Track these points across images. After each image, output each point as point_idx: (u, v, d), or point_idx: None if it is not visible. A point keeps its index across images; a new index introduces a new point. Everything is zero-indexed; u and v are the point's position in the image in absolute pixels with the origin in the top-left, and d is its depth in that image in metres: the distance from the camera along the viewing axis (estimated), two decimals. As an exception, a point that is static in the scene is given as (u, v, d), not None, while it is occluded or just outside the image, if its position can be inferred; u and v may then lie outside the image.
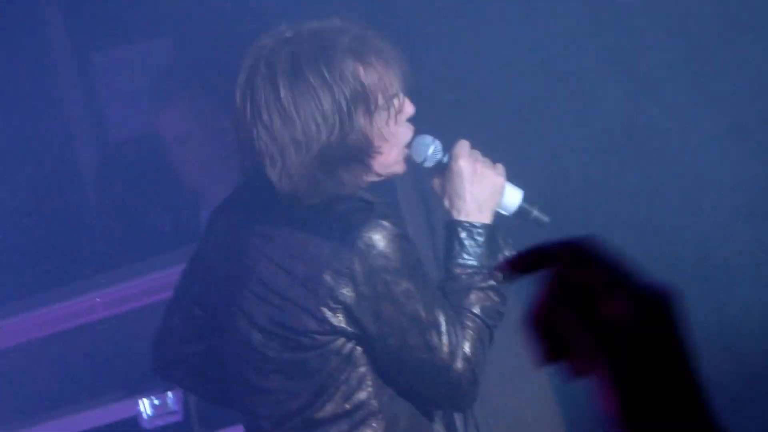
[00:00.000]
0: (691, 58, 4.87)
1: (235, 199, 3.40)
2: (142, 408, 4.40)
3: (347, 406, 3.21)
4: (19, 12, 5.62)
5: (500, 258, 3.28)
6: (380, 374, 3.22)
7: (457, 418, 3.45)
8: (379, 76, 3.20)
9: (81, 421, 4.45)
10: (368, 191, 3.29)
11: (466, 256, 3.27)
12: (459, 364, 3.16)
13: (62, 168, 5.67)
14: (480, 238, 3.27)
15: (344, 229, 3.15)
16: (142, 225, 5.38)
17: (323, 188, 3.16)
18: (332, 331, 3.15)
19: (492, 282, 3.26)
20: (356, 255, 3.13)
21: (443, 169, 3.34)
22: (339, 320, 3.15)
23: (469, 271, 3.26)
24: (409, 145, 3.31)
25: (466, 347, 3.19)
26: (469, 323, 3.22)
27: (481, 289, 3.26)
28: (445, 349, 3.16)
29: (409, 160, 3.33)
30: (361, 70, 3.17)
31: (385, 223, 3.17)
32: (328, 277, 3.13)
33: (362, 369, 3.20)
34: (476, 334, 3.22)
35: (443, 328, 3.17)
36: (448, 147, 3.34)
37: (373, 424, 3.20)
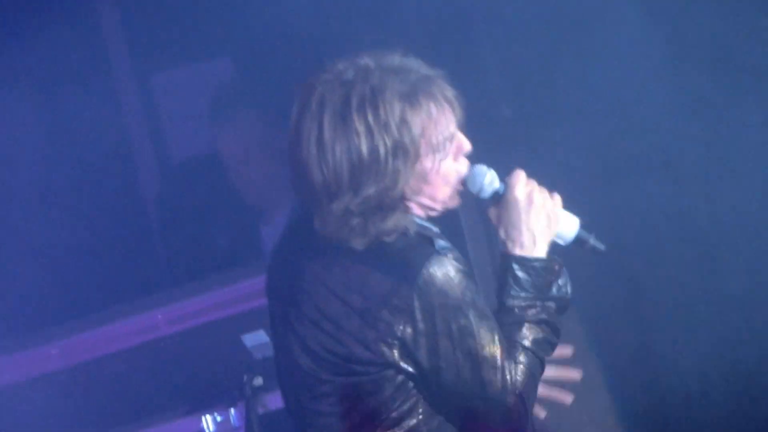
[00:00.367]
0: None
1: (299, 222, 3.42)
2: (204, 424, 4.43)
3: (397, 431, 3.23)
4: (81, 35, 5.70)
5: (555, 289, 3.30)
6: (431, 402, 3.24)
7: None
8: (431, 120, 3.18)
9: (144, 437, 4.51)
10: (429, 221, 3.32)
11: (519, 289, 3.26)
12: (511, 398, 3.18)
13: (124, 187, 5.72)
14: (533, 272, 3.27)
15: (404, 265, 3.15)
16: (203, 243, 5.43)
17: (363, 234, 3.17)
18: (386, 364, 3.17)
19: (544, 315, 3.27)
20: (415, 292, 3.13)
21: (499, 199, 3.33)
22: (395, 355, 3.16)
23: (522, 304, 3.25)
24: (465, 177, 3.32)
25: (518, 381, 3.20)
26: (521, 357, 3.22)
27: (534, 322, 3.26)
28: (499, 384, 3.18)
29: (466, 190, 3.33)
30: (409, 115, 3.14)
31: (444, 260, 3.16)
32: (386, 313, 3.14)
33: (414, 397, 3.22)
34: (528, 367, 3.23)
35: (498, 363, 3.17)
36: (504, 173, 3.34)
37: None
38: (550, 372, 3.41)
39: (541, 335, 3.27)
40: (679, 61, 4.86)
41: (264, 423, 4.34)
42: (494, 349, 3.19)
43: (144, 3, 5.74)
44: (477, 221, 4.39)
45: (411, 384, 3.22)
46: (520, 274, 3.28)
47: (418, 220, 3.27)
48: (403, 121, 3.15)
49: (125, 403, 4.50)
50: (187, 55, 5.80)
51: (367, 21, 5.24)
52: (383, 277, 3.16)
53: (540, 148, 4.81)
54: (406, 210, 3.23)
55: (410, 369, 3.19)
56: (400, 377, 3.21)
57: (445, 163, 3.24)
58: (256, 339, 4.39)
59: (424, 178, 3.22)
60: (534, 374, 3.25)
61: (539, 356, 3.26)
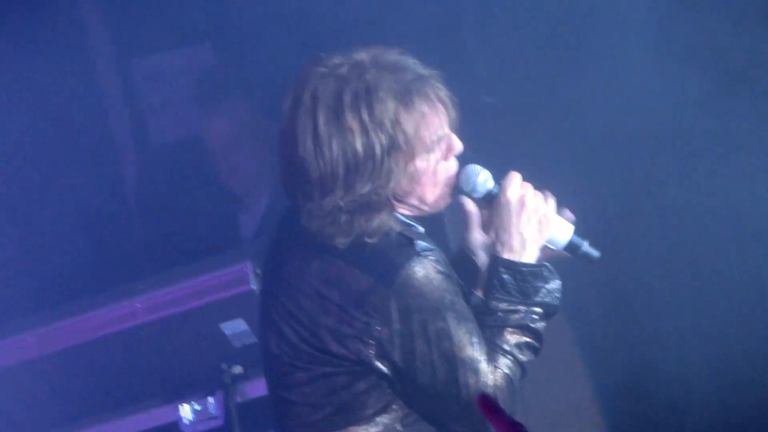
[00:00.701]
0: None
1: (289, 217, 3.40)
2: (182, 413, 4.41)
3: (372, 428, 3.21)
4: (62, 20, 5.67)
5: (542, 294, 3.27)
6: (407, 401, 3.22)
7: None
8: (424, 121, 3.17)
9: (122, 427, 4.47)
10: (415, 219, 3.30)
11: (504, 294, 3.25)
12: None
13: (103, 174, 5.70)
14: (520, 277, 3.25)
15: (383, 265, 3.14)
16: (183, 230, 5.40)
17: (347, 232, 3.15)
18: (360, 362, 3.16)
19: (527, 321, 3.25)
20: (393, 293, 3.12)
21: (491, 200, 3.31)
22: (370, 354, 3.15)
23: (506, 308, 3.24)
24: (457, 174, 3.29)
25: (497, 383, 3.19)
26: (501, 359, 3.21)
27: (516, 327, 3.24)
28: (475, 387, 3.16)
29: (456, 188, 3.29)
30: (403, 115, 3.13)
31: (424, 261, 3.15)
32: (363, 312, 3.13)
33: (389, 393, 3.20)
34: (508, 370, 3.21)
35: (475, 365, 3.16)
36: (498, 172, 3.30)
37: None
38: None
39: (523, 340, 3.25)
40: (671, 56, 4.85)
41: (243, 412, 4.32)
42: (472, 352, 3.17)
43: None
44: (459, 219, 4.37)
45: (386, 381, 3.20)
46: (506, 277, 3.26)
47: (402, 218, 3.25)
48: (398, 121, 3.14)
49: (103, 392, 4.48)
50: (170, 40, 5.77)
51: (354, 7, 5.22)
52: (362, 275, 3.14)
53: (526, 145, 4.80)
54: (393, 210, 3.20)
55: (385, 369, 3.17)
56: (375, 374, 3.18)
57: (439, 164, 3.22)
58: (235, 327, 4.36)
59: (415, 178, 3.21)
60: (514, 378, 3.23)
61: (520, 361, 3.24)
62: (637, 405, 5.01)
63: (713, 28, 4.75)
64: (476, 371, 3.17)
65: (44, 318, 4.58)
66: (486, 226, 3.34)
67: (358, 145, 3.11)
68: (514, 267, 3.26)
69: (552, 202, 3.31)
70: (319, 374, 3.20)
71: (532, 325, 3.25)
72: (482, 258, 3.35)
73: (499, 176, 3.31)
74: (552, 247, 3.32)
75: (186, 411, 4.41)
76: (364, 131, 3.12)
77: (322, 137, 3.12)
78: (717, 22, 4.74)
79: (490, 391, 3.17)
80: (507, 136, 4.76)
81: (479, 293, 3.34)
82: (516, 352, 3.23)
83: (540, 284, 3.27)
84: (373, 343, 3.14)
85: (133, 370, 4.44)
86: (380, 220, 3.17)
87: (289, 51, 5.40)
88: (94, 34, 5.81)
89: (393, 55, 3.21)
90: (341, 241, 3.16)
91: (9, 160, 5.45)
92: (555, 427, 4.72)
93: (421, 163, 3.20)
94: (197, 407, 4.41)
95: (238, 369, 4.33)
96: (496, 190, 3.29)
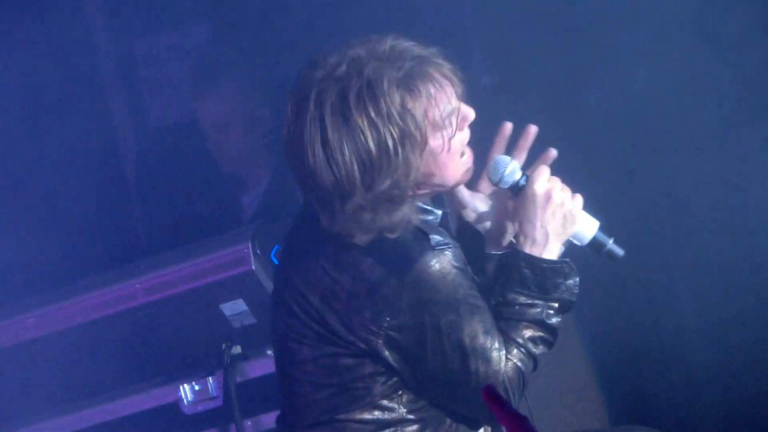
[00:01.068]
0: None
1: (306, 208, 3.39)
2: (182, 393, 4.42)
3: (376, 412, 3.21)
4: (59, 2, 5.65)
5: (561, 290, 3.27)
6: (414, 388, 3.23)
7: None
8: (432, 101, 3.15)
9: (122, 407, 4.48)
10: (433, 204, 3.29)
11: (522, 287, 3.26)
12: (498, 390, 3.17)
13: (103, 154, 5.70)
14: (540, 272, 3.25)
15: (398, 257, 3.14)
16: (183, 211, 5.40)
17: (369, 230, 3.14)
18: (368, 348, 3.17)
19: (543, 316, 3.25)
20: (405, 286, 3.12)
21: (518, 192, 3.31)
22: (378, 343, 3.15)
23: (524, 302, 3.25)
24: (487, 164, 3.31)
25: (508, 374, 3.19)
26: (515, 350, 3.21)
27: (532, 321, 3.25)
28: (485, 374, 3.16)
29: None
30: (409, 102, 3.12)
31: (439, 256, 3.16)
32: (373, 301, 3.13)
33: (396, 380, 3.21)
34: (520, 362, 3.22)
35: (486, 354, 3.16)
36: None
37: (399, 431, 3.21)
38: None
39: (537, 334, 3.26)
40: (675, 45, 4.85)
41: (242, 391, 4.33)
42: (485, 341, 3.17)
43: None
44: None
45: (393, 366, 3.20)
46: (526, 272, 3.26)
47: (421, 206, 3.25)
48: (405, 109, 3.12)
49: (103, 373, 4.49)
50: (168, 21, 5.76)
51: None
52: (375, 264, 3.14)
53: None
54: (415, 199, 3.20)
55: (392, 358, 3.17)
56: (383, 359, 3.18)
57: (452, 137, 3.21)
58: (235, 308, 4.37)
59: (434, 159, 3.20)
60: (524, 373, 3.23)
61: (533, 355, 3.25)
62: (635, 384, 5.02)
63: (721, 17, 4.75)
64: (488, 360, 3.17)
65: (44, 299, 4.58)
66: (511, 217, 3.35)
67: (371, 143, 3.09)
68: (535, 262, 3.27)
69: (579, 198, 3.31)
70: (325, 353, 3.20)
71: (548, 321, 3.26)
72: (477, 209, 3.39)
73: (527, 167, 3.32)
74: (576, 242, 3.32)
75: (186, 391, 4.42)
76: (374, 127, 3.10)
77: (332, 143, 3.10)
78: (723, 12, 4.75)
79: (500, 380, 3.17)
80: (508, 118, 4.76)
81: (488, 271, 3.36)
82: (530, 345, 3.24)
83: (560, 280, 3.28)
84: (381, 333, 3.14)
85: (133, 351, 4.45)
86: (402, 213, 3.16)
87: (286, 31, 5.40)
88: (91, 14, 5.80)
89: (388, 43, 3.18)
90: (363, 239, 3.16)
91: (5, 142, 5.44)
92: (553, 406, 4.73)
93: (435, 142, 3.18)
94: (197, 387, 4.42)
95: (237, 349, 4.34)
96: (523, 182, 3.29)
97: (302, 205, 3.36)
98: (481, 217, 3.44)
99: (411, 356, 3.17)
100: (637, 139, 4.96)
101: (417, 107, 3.14)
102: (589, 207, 3.33)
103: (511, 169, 3.30)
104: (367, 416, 3.22)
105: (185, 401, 4.42)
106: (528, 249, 3.28)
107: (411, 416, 3.23)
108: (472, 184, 3.41)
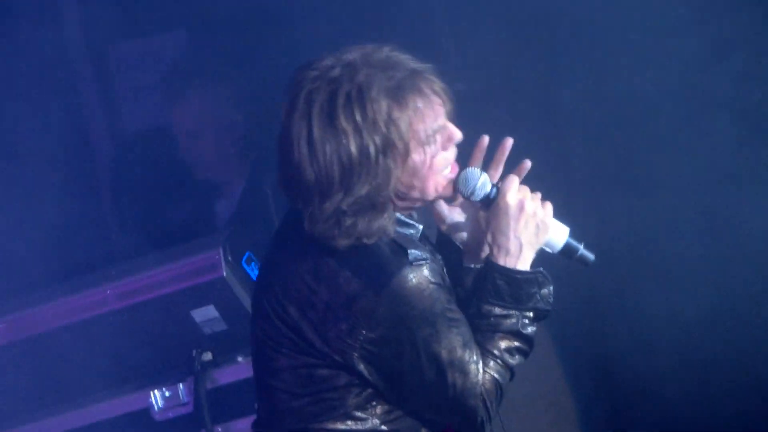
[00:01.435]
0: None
1: (290, 215, 3.41)
2: (153, 400, 4.42)
3: (349, 422, 3.22)
4: (35, 6, 5.65)
5: (536, 299, 3.27)
6: (391, 398, 3.23)
7: None
8: (419, 116, 3.16)
9: (92, 413, 4.48)
10: (410, 217, 3.30)
11: (497, 299, 3.26)
12: (473, 401, 3.18)
13: (77, 160, 5.69)
14: (515, 284, 3.26)
15: (375, 271, 3.15)
16: (157, 217, 5.40)
17: (349, 234, 3.15)
18: (345, 363, 3.18)
19: (519, 327, 3.26)
20: (382, 300, 3.12)
21: (489, 203, 3.31)
22: (353, 356, 3.16)
23: (500, 312, 3.26)
24: (456, 177, 3.31)
25: (486, 386, 3.20)
26: (491, 362, 3.23)
27: (508, 332, 3.26)
28: (462, 386, 3.18)
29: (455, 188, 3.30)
30: (396, 113, 3.13)
31: (416, 271, 3.16)
32: (350, 314, 3.14)
33: (370, 391, 3.22)
34: (497, 374, 3.23)
35: (464, 367, 3.17)
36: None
37: None
38: None
39: (514, 345, 3.27)
40: (654, 53, 4.87)
41: (213, 398, 4.33)
42: (462, 354, 3.18)
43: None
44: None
45: (368, 378, 3.20)
46: (500, 283, 3.27)
47: (402, 218, 3.25)
48: (391, 119, 3.13)
49: (73, 379, 4.48)
50: (143, 27, 5.76)
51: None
52: (353, 277, 3.15)
53: (501, 132, 4.81)
54: (395, 209, 3.21)
55: (367, 371, 3.17)
56: (358, 371, 3.19)
57: (436, 153, 3.22)
58: (206, 314, 4.37)
59: (415, 173, 3.21)
60: (501, 383, 3.24)
61: (510, 365, 3.26)
62: (608, 392, 5.03)
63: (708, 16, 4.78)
64: (465, 372, 3.18)
65: (15, 304, 4.58)
66: (484, 229, 3.35)
67: (352, 147, 3.11)
68: (509, 273, 3.27)
69: (550, 206, 3.32)
70: (301, 363, 3.21)
71: (524, 331, 3.27)
72: (455, 222, 3.40)
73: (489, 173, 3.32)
74: (548, 249, 3.34)
75: (156, 397, 4.42)
76: (358, 132, 3.12)
77: (315, 141, 3.12)
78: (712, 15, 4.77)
79: (477, 392, 3.18)
80: (482, 124, 4.76)
81: (464, 285, 3.37)
82: (506, 356, 3.25)
83: (534, 290, 3.28)
84: (357, 345, 3.15)
85: (103, 357, 4.45)
86: (382, 220, 3.17)
87: (260, 38, 5.40)
88: (67, 20, 5.80)
89: (384, 53, 3.20)
90: (342, 243, 3.16)
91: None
92: (528, 414, 4.74)
93: (418, 156, 3.19)
94: (167, 393, 4.42)
95: (208, 356, 4.34)
96: (494, 194, 3.30)
97: (286, 213, 3.37)
98: (458, 230, 3.45)
99: (387, 369, 3.18)
100: (611, 144, 4.98)
101: (403, 118, 3.15)
102: (560, 214, 3.34)
103: (482, 181, 3.31)
104: (340, 426, 3.23)
105: (156, 407, 4.42)
106: (502, 260, 3.29)
107: (384, 427, 3.24)
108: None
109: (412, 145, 3.17)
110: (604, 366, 5.01)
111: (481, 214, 3.36)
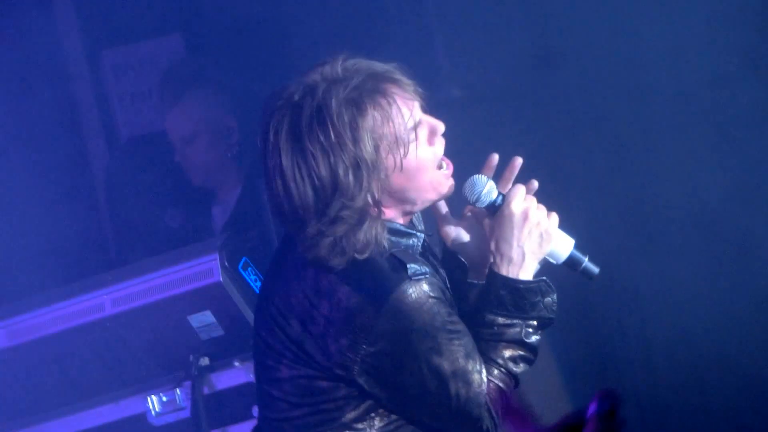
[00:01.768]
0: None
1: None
2: (150, 404, 4.42)
3: None
4: (31, 11, 5.65)
5: (539, 308, 3.27)
6: (393, 409, 3.23)
7: None
8: (384, 118, 3.14)
9: (90, 418, 4.48)
10: (410, 225, 3.29)
11: (502, 309, 3.26)
12: (477, 411, 3.18)
13: (72, 166, 5.69)
14: (518, 294, 3.26)
15: (374, 286, 3.14)
16: (153, 222, 5.40)
17: (338, 252, 3.14)
18: (346, 376, 3.19)
19: (522, 336, 3.26)
20: (383, 315, 3.12)
21: (494, 211, 3.31)
22: (355, 370, 3.16)
23: (504, 322, 3.26)
24: (463, 185, 3.30)
25: (490, 395, 3.20)
26: (495, 371, 3.22)
27: (511, 341, 3.26)
28: (465, 396, 3.18)
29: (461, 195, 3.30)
30: (360, 121, 3.11)
31: (416, 286, 3.15)
32: (350, 329, 3.14)
33: (369, 403, 3.22)
34: (501, 383, 3.23)
35: (467, 377, 3.17)
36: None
37: None
38: None
39: (517, 353, 3.26)
40: (649, 57, 4.88)
41: (210, 403, 4.33)
42: (465, 365, 3.17)
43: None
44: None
45: (368, 390, 3.21)
46: (503, 293, 3.26)
47: (399, 227, 3.24)
48: (355, 129, 3.11)
49: (71, 384, 4.48)
50: (139, 33, 5.76)
51: (316, 3, 5.24)
52: (353, 292, 3.14)
53: (500, 137, 4.81)
54: (378, 216, 3.19)
55: (367, 385, 3.18)
56: (358, 383, 3.19)
57: (419, 151, 3.21)
58: (203, 319, 4.37)
59: (403, 174, 3.19)
60: (505, 392, 3.24)
61: (514, 374, 3.26)
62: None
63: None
64: (469, 382, 3.17)
65: (11, 310, 4.58)
66: (487, 236, 3.35)
67: (323, 169, 3.10)
68: (511, 283, 3.26)
69: (555, 217, 3.32)
70: (302, 374, 3.21)
71: (527, 340, 3.26)
72: (461, 238, 3.39)
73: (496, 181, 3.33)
74: (552, 260, 3.34)
75: (154, 402, 4.42)
76: (324, 154, 3.10)
77: (286, 171, 3.12)
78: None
79: (482, 401, 3.18)
80: (479, 131, 4.78)
81: (470, 299, 3.37)
82: (510, 365, 3.25)
83: (537, 299, 3.28)
84: (358, 359, 3.15)
85: (100, 362, 4.45)
86: (366, 233, 3.16)
87: (253, 43, 5.41)
88: (63, 25, 5.80)
89: (339, 63, 3.18)
90: (336, 262, 3.15)
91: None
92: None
93: (396, 158, 3.16)
94: (165, 398, 4.42)
95: (205, 361, 4.35)
96: (499, 201, 3.30)
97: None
98: (464, 247, 3.44)
99: (389, 382, 3.18)
100: (607, 151, 4.98)
101: (367, 126, 3.13)
102: (564, 225, 3.34)
103: (488, 188, 3.31)
104: None
105: (153, 412, 4.43)
106: (505, 268, 3.28)
107: None
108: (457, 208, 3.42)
109: (383, 148, 3.15)
110: (603, 373, 5.02)
111: (486, 221, 3.35)
